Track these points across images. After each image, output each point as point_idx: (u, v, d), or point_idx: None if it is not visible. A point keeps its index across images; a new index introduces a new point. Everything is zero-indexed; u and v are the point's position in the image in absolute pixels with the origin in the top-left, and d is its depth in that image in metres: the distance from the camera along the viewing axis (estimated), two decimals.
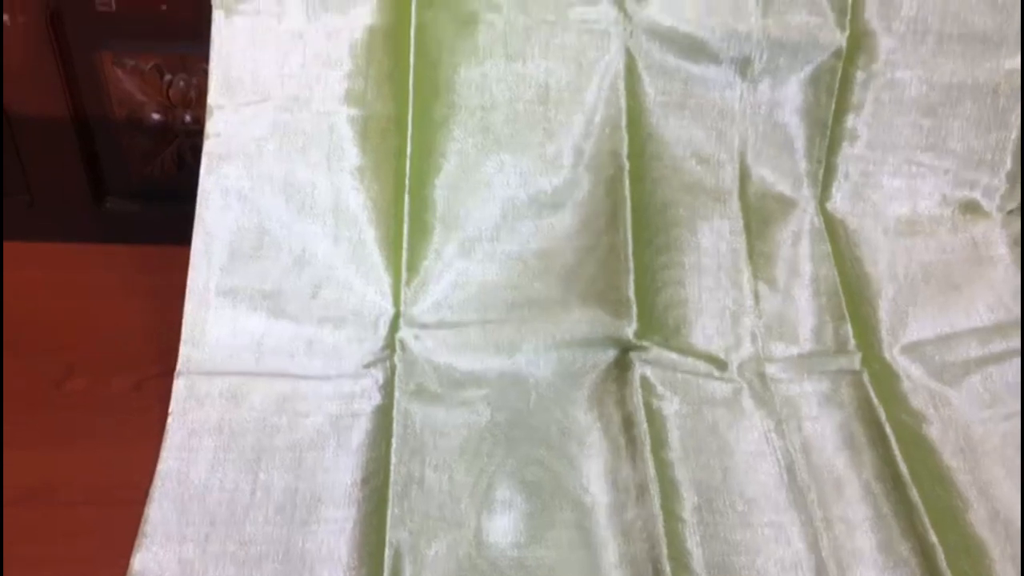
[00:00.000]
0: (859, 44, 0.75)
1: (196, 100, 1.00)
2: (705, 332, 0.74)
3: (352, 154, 0.71)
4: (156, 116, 1.02)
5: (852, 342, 0.73)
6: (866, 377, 0.71)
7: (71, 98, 1.00)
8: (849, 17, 0.75)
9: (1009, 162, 0.79)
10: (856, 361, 0.72)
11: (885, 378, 0.72)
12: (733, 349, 0.73)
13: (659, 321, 0.73)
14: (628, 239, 0.74)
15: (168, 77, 0.99)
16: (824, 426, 0.69)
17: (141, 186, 1.06)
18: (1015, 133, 0.78)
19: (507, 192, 0.74)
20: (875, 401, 0.69)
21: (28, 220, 1.07)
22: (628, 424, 0.68)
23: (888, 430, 0.68)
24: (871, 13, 0.75)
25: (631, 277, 0.73)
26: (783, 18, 0.75)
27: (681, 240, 0.76)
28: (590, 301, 0.73)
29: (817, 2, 0.75)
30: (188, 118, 1.02)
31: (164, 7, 0.93)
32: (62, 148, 1.02)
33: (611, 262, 0.74)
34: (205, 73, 0.71)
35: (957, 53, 0.76)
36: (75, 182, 1.05)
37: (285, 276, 0.71)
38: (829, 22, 0.75)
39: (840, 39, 0.75)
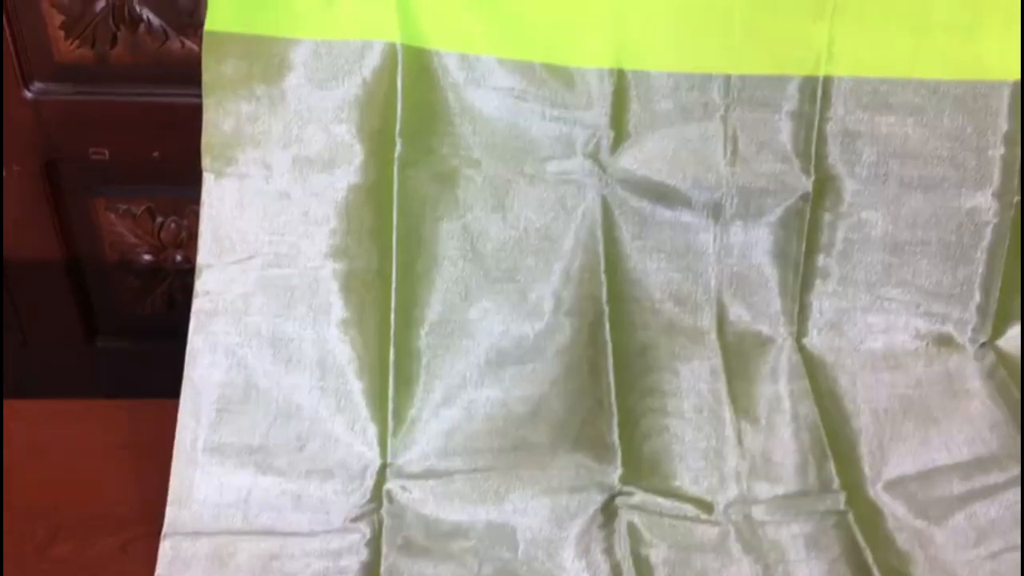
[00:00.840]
0: (825, 188, 0.79)
1: (187, 240, 1.03)
2: (690, 474, 0.74)
3: (337, 307, 0.73)
4: (147, 257, 1.04)
5: (836, 480, 0.74)
6: (851, 517, 0.72)
7: (64, 242, 1.02)
8: (814, 163, 0.78)
9: (978, 295, 0.81)
10: (841, 501, 0.73)
11: (870, 517, 0.72)
12: (718, 490, 0.74)
13: (644, 465, 0.74)
14: (611, 383, 0.76)
15: (160, 219, 1.02)
16: (812, 571, 0.69)
17: (132, 325, 1.08)
18: (981, 268, 0.80)
19: (490, 340, 0.76)
20: (861, 543, 0.70)
21: (21, 358, 1.08)
22: (616, 573, 0.68)
23: (876, 573, 0.68)
24: (834, 159, 0.78)
25: (615, 421, 0.74)
26: (750, 166, 0.78)
27: (662, 382, 0.77)
28: (575, 447, 0.74)
29: (782, 150, 0.78)
30: (179, 257, 1.04)
31: (157, 154, 0.96)
32: (55, 289, 1.04)
33: (595, 407, 0.75)
34: (196, 214, 0.74)
35: (919, 194, 0.79)
36: (67, 322, 1.07)
37: (272, 430, 0.71)
38: (795, 168, 0.78)
39: (806, 183, 0.78)
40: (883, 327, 0.81)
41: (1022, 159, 0.79)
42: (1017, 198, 0.80)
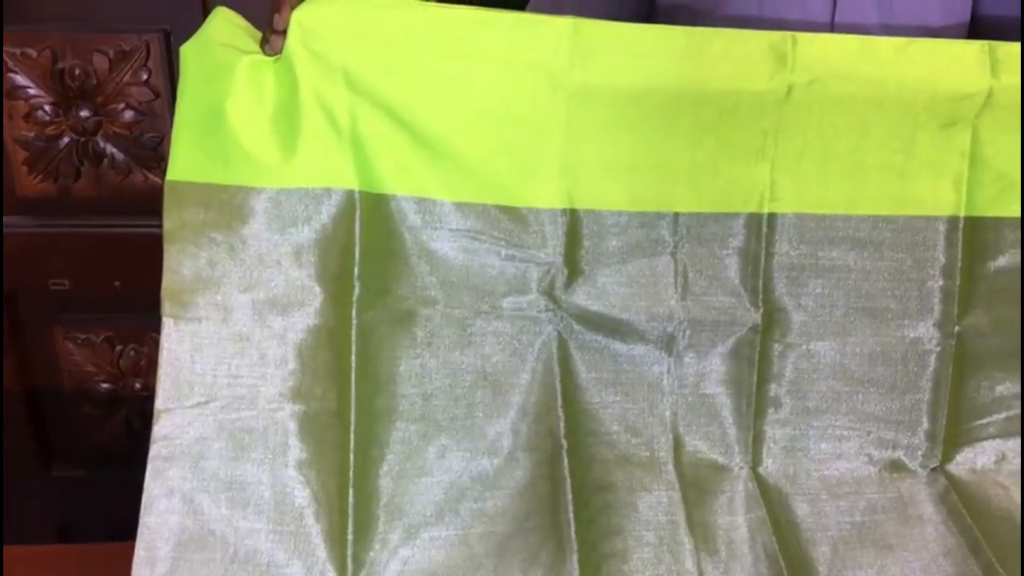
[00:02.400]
0: (773, 319, 0.81)
1: (146, 368, 1.03)
2: None
3: (295, 449, 0.73)
4: (105, 385, 1.04)
5: None
6: None
7: (22, 371, 1.02)
8: (762, 296, 0.81)
9: (925, 422, 0.83)
10: None
11: None
12: None
13: None
14: (570, 519, 0.76)
15: (119, 347, 1.02)
16: None
17: (89, 452, 1.07)
18: (927, 395, 0.83)
19: (449, 477, 0.76)
20: None
21: None
22: None
23: None
24: (781, 291, 0.81)
25: (576, 557, 0.74)
26: (701, 299, 0.80)
27: (621, 515, 0.78)
28: None
29: (731, 283, 0.81)
30: (138, 385, 1.04)
31: (118, 284, 0.97)
32: (12, 418, 1.03)
33: (554, 542, 0.75)
34: (155, 342, 0.74)
35: (865, 324, 0.82)
36: (24, 450, 1.06)
37: (227, 573, 0.71)
38: (744, 301, 0.81)
39: (755, 316, 0.81)
40: (836, 454, 0.82)
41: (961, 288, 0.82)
42: (958, 327, 0.82)
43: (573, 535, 0.75)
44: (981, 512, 0.81)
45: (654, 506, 0.79)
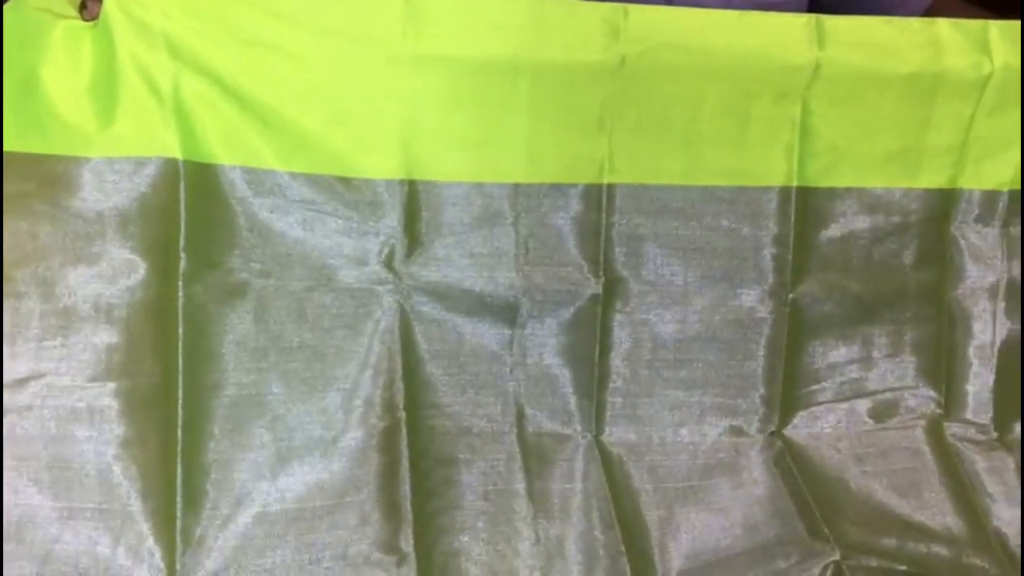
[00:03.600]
0: (614, 290, 0.82)
1: None
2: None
3: (121, 426, 0.71)
4: None
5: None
6: None
7: None
8: (602, 267, 0.82)
9: (762, 387, 0.85)
10: None
11: None
12: None
13: (436, 570, 0.74)
14: (407, 491, 0.76)
15: None
16: None
17: None
18: (762, 361, 0.85)
19: (281, 450, 0.75)
20: None
21: None
22: None
23: None
24: (621, 262, 0.82)
25: (410, 529, 0.74)
26: (541, 271, 0.81)
27: (461, 487, 0.78)
28: (369, 554, 0.73)
29: (571, 255, 0.81)
30: None
31: None
32: None
33: (389, 514, 0.75)
34: None
35: (702, 294, 0.83)
36: None
37: (49, 559, 0.69)
38: (584, 272, 0.81)
39: (596, 286, 0.82)
40: (675, 421, 0.84)
41: (794, 257, 0.84)
42: (791, 295, 0.84)
43: (409, 507, 0.75)
44: (814, 475, 0.84)
45: (494, 477, 0.79)
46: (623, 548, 0.77)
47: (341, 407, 0.77)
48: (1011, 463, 0.86)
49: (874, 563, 0.77)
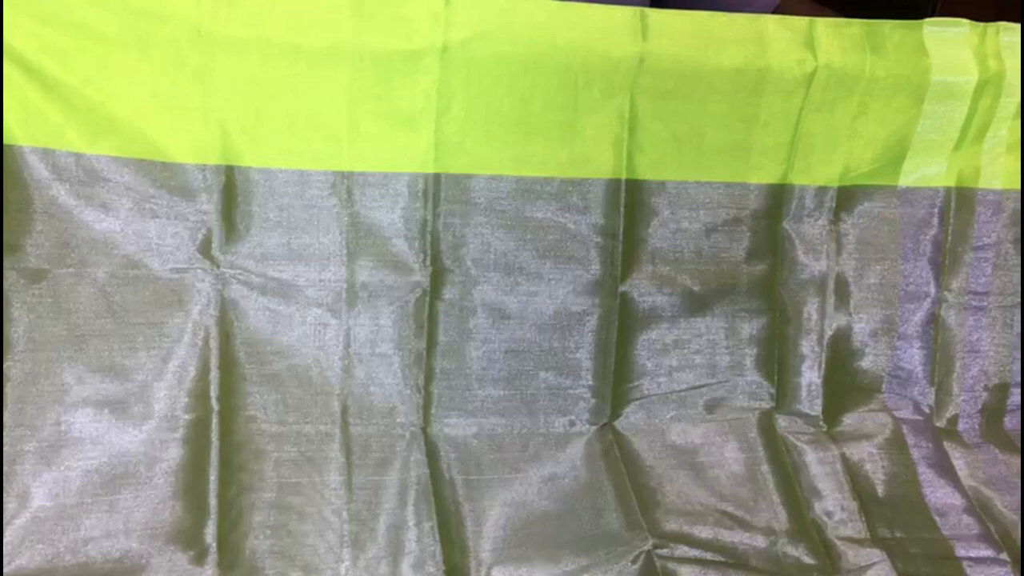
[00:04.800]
0: (440, 281, 0.81)
1: None
2: (297, 572, 0.73)
3: None
4: None
5: (443, 568, 0.75)
6: None
7: None
8: (429, 257, 0.81)
9: (591, 380, 0.85)
10: None
11: None
12: None
13: (244, 566, 0.72)
14: (215, 482, 0.74)
15: None
16: None
17: None
18: (591, 354, 0.85)
19: (66, 440, 0.73)
20: None
21: None
22: None
23: None
24: (448, 252, 0.81)
25: (211, 521, 0.73)
26: (367, 261, 0.80)
27: (275, 479, 0.77)
28: (167, 551, 0.71)
29: (398, 245, 0.80)
30: None
31: None
32: None
33: (191, 505, 0.73)
34: None
35: (530, 285, 0.83)
36: None
37: None
38: (411, 262, 0.80)
39: (423, 277, 0.81)
40: (501, 412, 0.83)
41: (623, 250, 0.84)
42: (621, 288, 0.85)
43: (214, 499, 0.73)
44: (640, 467, 0.84)
45: (309, 470, 0.78)
46: (438, 538, 0.76)
47: (158, 399, 0.75)
48: (838, 454, 0.87)
49: (688, 552, 0.78)
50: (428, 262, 0.81)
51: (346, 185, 0.79)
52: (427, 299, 0.81)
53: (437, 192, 0.81)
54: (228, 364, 0.77)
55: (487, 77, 0.78)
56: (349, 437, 0.80)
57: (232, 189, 0.77)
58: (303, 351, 0.80)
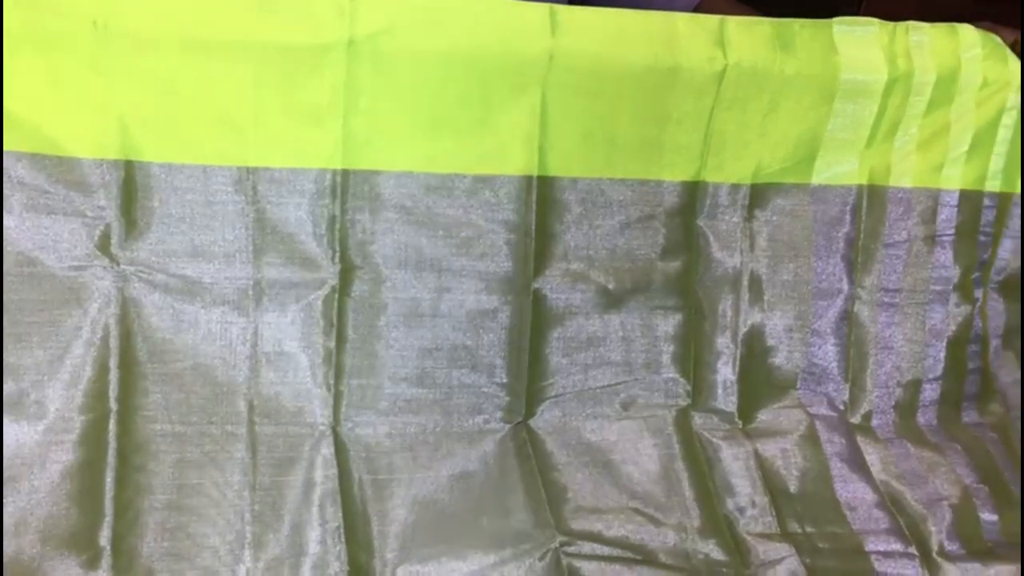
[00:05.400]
0: (350, 279, 0.80)
1: None
2: (195, 574, 0.72)
3: None
4: None
5: (347, 569, 0.74)
6: None
7: None
8: (339, 254, 0.80)
9: (506, 378, 0.84)
10: None
11: None
12: None
13: (140, 569, 0.71)
14: (110, 483, 0.73)
15: None
16: None
17: None
18: (505, 352, 0.84)
19: None
20: None
21: None
22: None
23: None
24: (356, 251, 0.80)
25: (106, 522, 0.71)
26: (275, 258, 0.79)
27: (176, 481, 0.75)
28: (59, 554, 0.70)
29: (306, 242, 0.79)
30: None
31: None
32: None
33: (87, 510, 0.72)
34: None
35: (441, 283, 0.82)
36: None
37: None
38: (320, 259, 0.80)
39: (332, 275, 0.80)
40: (414, 410, 0.82)
41: (536, 247, 0.84)
42: (534, 285, 0.84)
43: (109, 501, 0.72)
44: (553, 465, 0.84)
45: (213, 471, 0.77)
46: (343, 539, 0.75)
47: (54, 397, 0.73)
48: (752, 450, 0.88)
49: (595, 549, 0.78)
50: (337, 259, 0.80)
51: (251, 181, 0.78)
52: (336, 296, 0.80)
53: (345, 188, 0.80)
54: (128, 363, 0.76)
55: (395, 72, 0.78)
56: (255, 437, 0.78)
57: (132, 184, 0.75)
58: (208, 350, 0.78)
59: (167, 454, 0.76)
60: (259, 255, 0.78)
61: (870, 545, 0.84)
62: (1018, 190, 0.92)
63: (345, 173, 0.80)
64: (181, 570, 0.72)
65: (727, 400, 0.90)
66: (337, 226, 0.80)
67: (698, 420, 0.89)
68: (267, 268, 0.79)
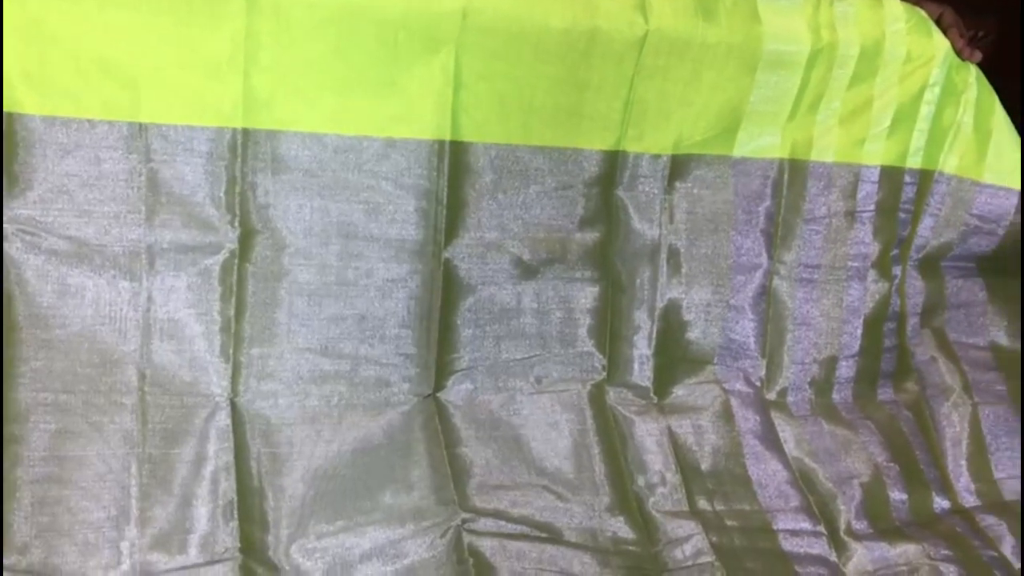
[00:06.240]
0: (249, 243, 0.77)
1: None
2: (76, 549, 0.69)
3: None
4: None
5: (237, 545, 0.71)
6: None
7: None
8: (238, 218, 0.76)
9: (413, 348, 0.82)
10: (234, 566, 0.70)
11: None
12: (111, 567, 0.69)
13: (16, 547, 0.67)
14: None
15: None
16: None
17: None
18: (414, 323, 0.81)
19: None
20: None
21: None
22: None
23: None
24: (257, 215, 0.77)
25: None
26: (170, 219, 0.75)
27: (57, 454, 0.72)
28: None
29: (203, 204, 0.75)
30: None
31: None
32: None
33: None
34: None
35: (346, 250, 0.79)
36: None
37: None
38: (218, 222, 0.76)
39: (231, 238, 0.76)
40: (318, 380, 0.79)
41: (447, 215, 0.81)
42: (445, 254, 0.81)
43: None
44: (461, 439, 0.82)
45: (109, 438, 0.73)
46: (236, 514, 0.73)
47: None
48: (666, 426, 0.87)
49: (498, 527, 0.76)
50: (236, 223, 0.76)
51: (144, 138, 0.73)
52: (236, 262, 0.77)
53: (245, 148, 0.76)
54: (8, 330, 0.71)
55: (298, 27, 0.74)
56: (145, 407, 0.75)
57: (12, 138, 0.71)
58: (96, 316, 0.74)
59: (48, 424, 0.72)
60: (152, 217, 0.74)
61: (779, 523, 0.83)
62: (938, 167, 0.92)
63: (246, 132, 0.76)
64: (59, 546, 0.69)
65: (643, 375, 0.89)
66: (237, 188, 0.76)
67: (613, 395, 0.88)
68: (161, 231, 0.75)
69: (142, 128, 0.73)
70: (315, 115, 0.77)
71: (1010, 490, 0.89)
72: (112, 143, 0.73)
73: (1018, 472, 0.90)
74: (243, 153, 0.76)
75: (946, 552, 0.81)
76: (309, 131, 0.77)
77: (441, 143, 0.80)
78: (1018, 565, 0.83)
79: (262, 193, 0.77)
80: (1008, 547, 0.84)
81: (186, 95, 0.74)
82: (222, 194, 0.76)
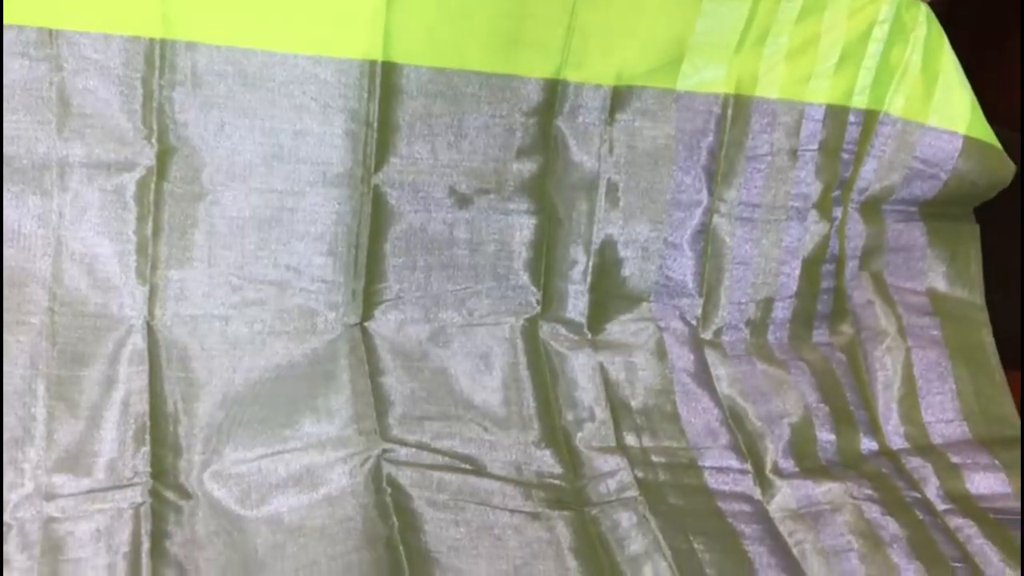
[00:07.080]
0: (168, 161, 0.74)
1: None
2: None
3: None
4: None
5: (147, 471, 0.70)
6: (147, 509, 0.68)
7: None
8: (155, 134, 0.73)
9: (341, 276, 0.80)
10: (141, 492, 0.69)
11: (175, 506, 0.69)
12: (15, 487, 0.67)
13: None
14: None
15: None
16: (102, 565, 0.65)
17: None
18: (343, 248, 0.79)
19: None
20: (143, 534, 0.66)
21: None
22: None
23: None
24: (176, 132, 0.74)
25: None
26: (82, 133, 0.72)
27: None
28: None
29: (118, 118, 0.72)
30: None
31: None
32: None
33: None
34: None
35: (273, 174, 0.76)
36: None
37: None
38: (132, 140, 0.73)
39: (147, 156, 0.73)
40: (241, 304, 0.77)
41: (378, 139, 0.78)
42: (374, 180, 0.79)
43: None
44: (383, 369, 0.80)
45: (16, 358, 0.71)
46: (148, 439, 0.71)
47: None
48: (598, 363, 0.86)
49: (420, 457, 0.75)
50: (154, 140, 0.73)
51: (55, 45, 0.70)
52: (152, 181, 0.74)
53: (164, 60, 0.72)
54: None
55: None
56: (55, 328, 0.72)
57: None
58: (1, 233, 0.71)
59: None
60: (62, 129, 0.71)
61: (705, 460, 0.83)
62: (884, 108, 0.90)
63: (163, 43, 0.72)
64: None
65: (577, 310, 0.87)
66: (153, 103, 0.73)
67: (546, 329, 0.87)
68: (72, 144, 0.72)
69: (52, 34, 0.70)
70: (237, 29, 0.74)
71: (938, 433, 0.90)
72: (20, 49, 0.69)
73: (946, 416, 0.91)
74: (160, 65, 0.72)
75: (869, 492, 0.82)
76: (232, 45, 0.74)
77: (372, 63, 0.77)
78: (942, 507, 0.83)
79: (180, 109, 0.74)
80: (932, 489, 0.84)
81: (101, 1, 0.70)
82: (138, 108, 0.73)
